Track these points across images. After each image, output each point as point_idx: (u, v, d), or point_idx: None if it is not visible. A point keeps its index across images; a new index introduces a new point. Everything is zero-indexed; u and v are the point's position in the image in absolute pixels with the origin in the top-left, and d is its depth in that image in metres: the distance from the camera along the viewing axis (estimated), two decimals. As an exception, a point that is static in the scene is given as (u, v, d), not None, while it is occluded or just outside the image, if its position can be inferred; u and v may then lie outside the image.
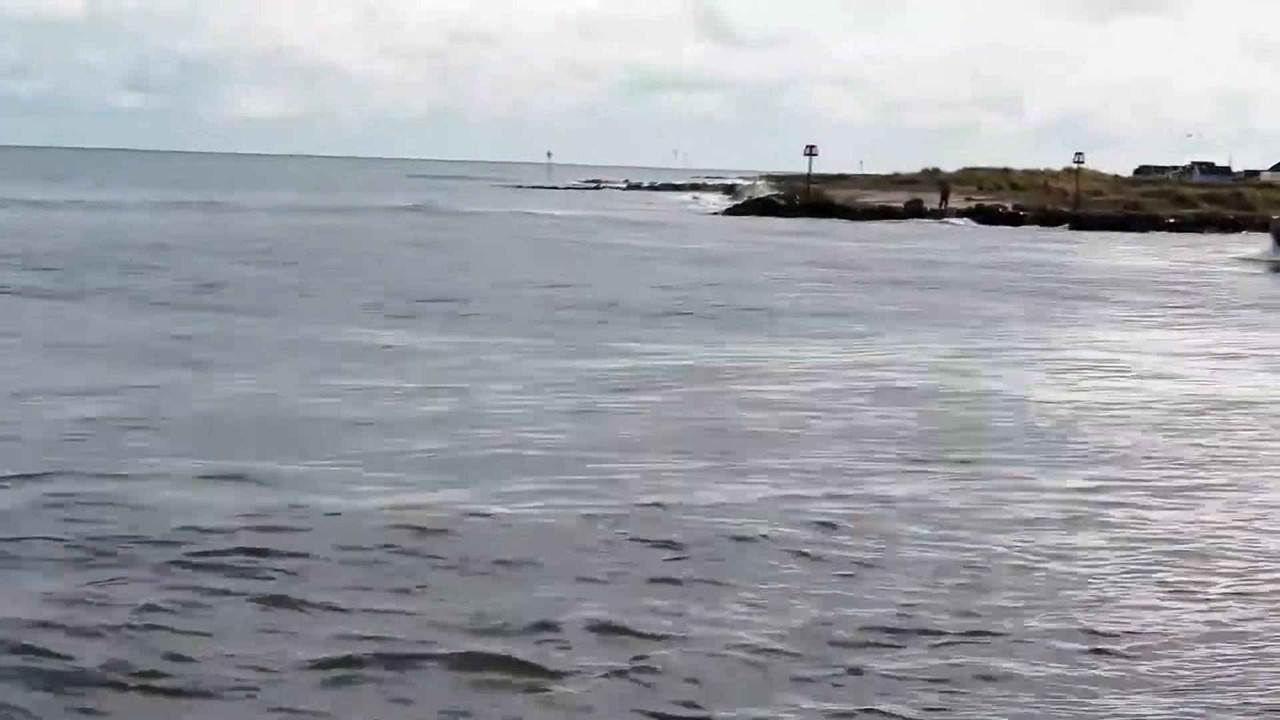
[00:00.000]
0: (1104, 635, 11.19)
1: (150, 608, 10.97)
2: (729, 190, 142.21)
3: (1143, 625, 11.53)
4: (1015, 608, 11.82)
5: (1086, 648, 10.89)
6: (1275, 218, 75.86)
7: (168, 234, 60.44)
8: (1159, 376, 26.46)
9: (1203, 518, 15.24)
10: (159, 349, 25.99)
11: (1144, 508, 15.58)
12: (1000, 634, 11.12)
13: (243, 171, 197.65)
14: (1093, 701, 9.87)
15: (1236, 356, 30.48)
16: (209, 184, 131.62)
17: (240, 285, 39.25)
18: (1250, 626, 11.57)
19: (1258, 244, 73.89)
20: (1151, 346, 31.94)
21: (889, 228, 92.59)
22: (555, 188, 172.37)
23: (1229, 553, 13.81)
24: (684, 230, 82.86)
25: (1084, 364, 28.06)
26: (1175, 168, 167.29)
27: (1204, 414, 22.01)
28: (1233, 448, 19.31)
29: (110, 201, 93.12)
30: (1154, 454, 18.67)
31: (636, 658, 10.29)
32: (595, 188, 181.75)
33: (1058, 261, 62.97)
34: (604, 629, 10.85)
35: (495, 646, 10.41)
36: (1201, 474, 17.50)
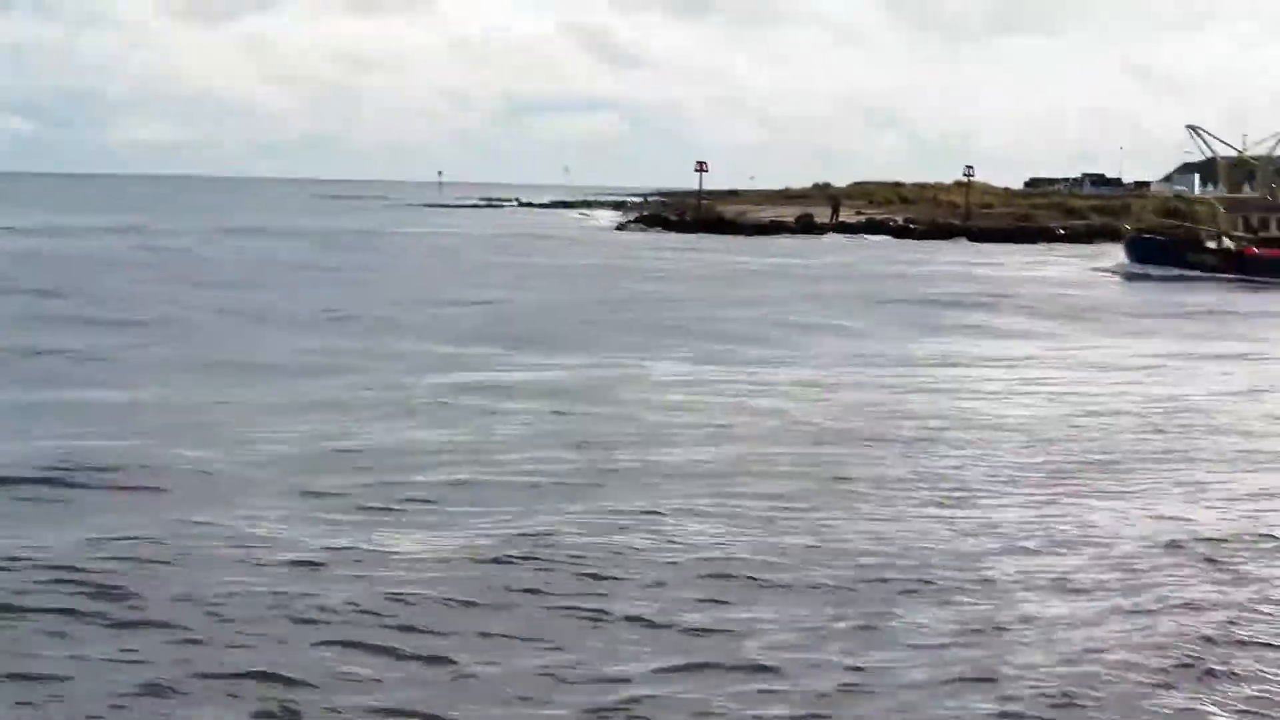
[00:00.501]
0: None
1: None
2: (619, 207, 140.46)
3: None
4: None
5: None
6: (1128, 230, 76.58)
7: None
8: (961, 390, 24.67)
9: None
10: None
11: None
12: None
13: (143, 194, 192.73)
14: None
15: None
16: (118, 208, 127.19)
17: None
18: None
19: (1114, 256, 75.72)
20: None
21: (782, 242, 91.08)
22: (447, 205, 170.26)
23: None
24: (584, 246, 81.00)
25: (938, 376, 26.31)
26: (1066, 180, 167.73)
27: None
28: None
29: (63, 227, 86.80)
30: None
31: None
32: (489, 205, 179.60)
33: (934, 272, 62.56)
34: None
35: None
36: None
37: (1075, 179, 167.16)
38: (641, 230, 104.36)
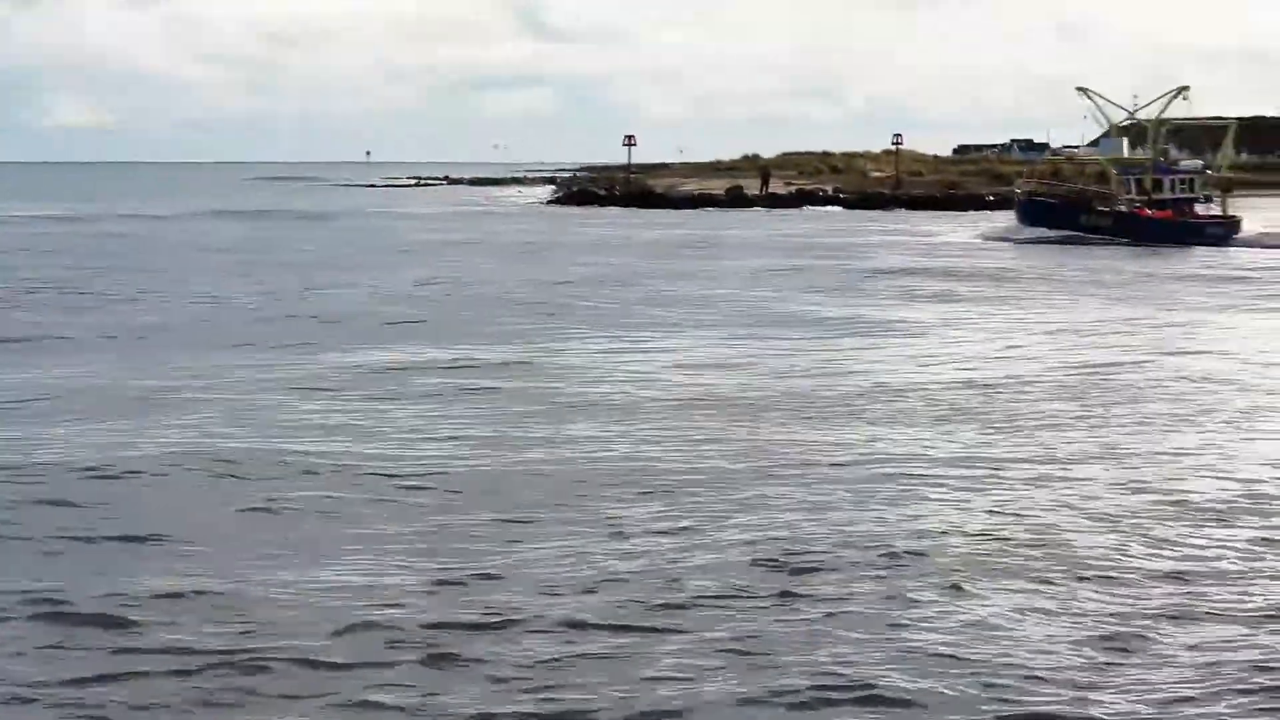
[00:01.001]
0: None
1: None
2: (551, 182, 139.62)
3: None
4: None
5: None
6: (1018, 193, 75.89)
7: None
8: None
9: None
10: None
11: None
12: None
13: (78, 181, 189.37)
14: None
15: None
16: (60, 195, 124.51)
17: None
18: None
19: (1004, 220, 75.20)
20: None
21: (711, 215, 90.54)
22: (375, 185, 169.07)
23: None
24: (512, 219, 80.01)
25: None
26: (994, 146, 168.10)
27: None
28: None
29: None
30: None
31: None
32: (417, 184, 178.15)
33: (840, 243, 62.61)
34: None
35: None
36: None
37: (1004, 145, 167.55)
38: (575, 206, 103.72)
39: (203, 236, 65.92)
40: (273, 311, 33.42)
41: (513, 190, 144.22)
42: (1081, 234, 68.37)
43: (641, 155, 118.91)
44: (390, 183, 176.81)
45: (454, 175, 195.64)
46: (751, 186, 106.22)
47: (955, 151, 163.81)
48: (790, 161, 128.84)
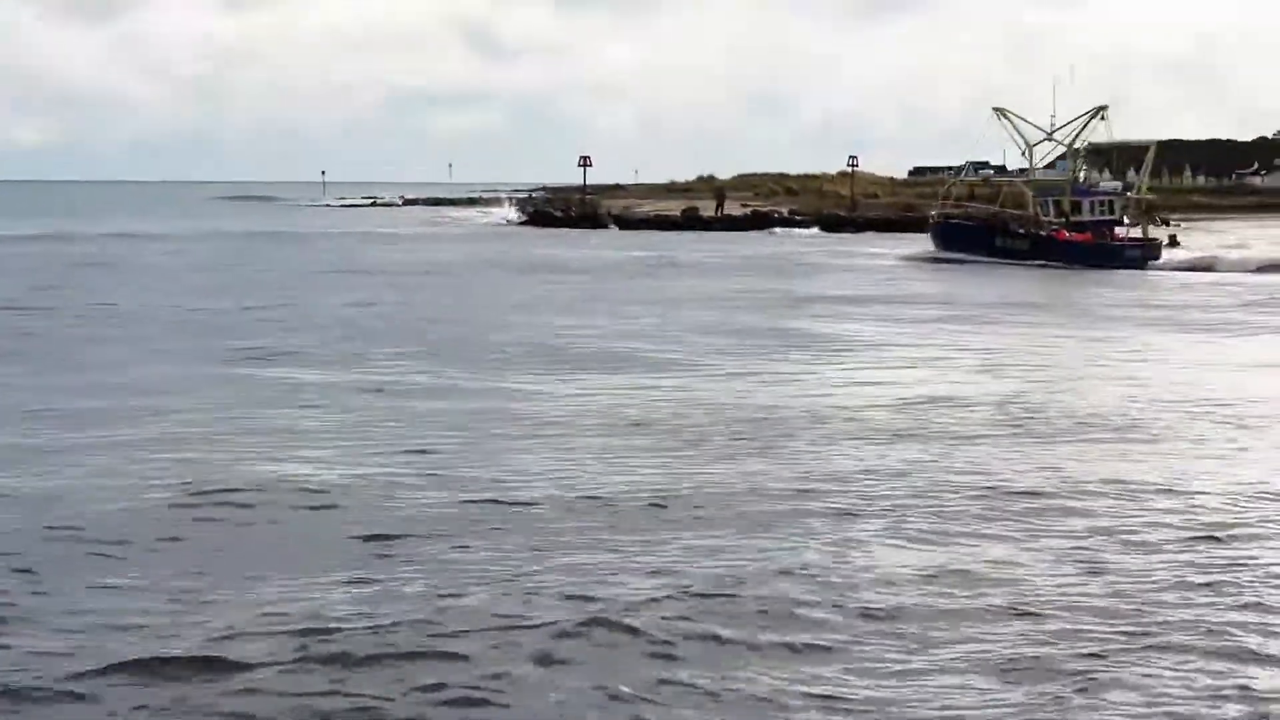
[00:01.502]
0: None
1: None
2: (508, 203, 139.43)
3: None
4: None
5: None
6: (933, 216, 74.76)
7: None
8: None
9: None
10: None
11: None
12: None
13: (46, 200, 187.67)
14: None
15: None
16: (32, 213, 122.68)
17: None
18: None
19: (920, 243, 74.58)
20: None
21: (663, 236, 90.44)
22: (331, 205, 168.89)
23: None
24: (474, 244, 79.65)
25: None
26: (949, 168, 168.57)
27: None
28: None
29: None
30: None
31: None
32: (372, 204, 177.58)
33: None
34: None
35: None
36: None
37: (960, 166, 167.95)
38: (535, 227, 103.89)
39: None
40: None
41: (473, 211, 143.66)
42: (998, 258, 67.00)
43: (597, 175, 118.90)
44: (346, 203, 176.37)
45: (409, 195, 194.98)
46: (706, 208, 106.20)
47: (911, 173, 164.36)
48: (746, 182, 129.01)
